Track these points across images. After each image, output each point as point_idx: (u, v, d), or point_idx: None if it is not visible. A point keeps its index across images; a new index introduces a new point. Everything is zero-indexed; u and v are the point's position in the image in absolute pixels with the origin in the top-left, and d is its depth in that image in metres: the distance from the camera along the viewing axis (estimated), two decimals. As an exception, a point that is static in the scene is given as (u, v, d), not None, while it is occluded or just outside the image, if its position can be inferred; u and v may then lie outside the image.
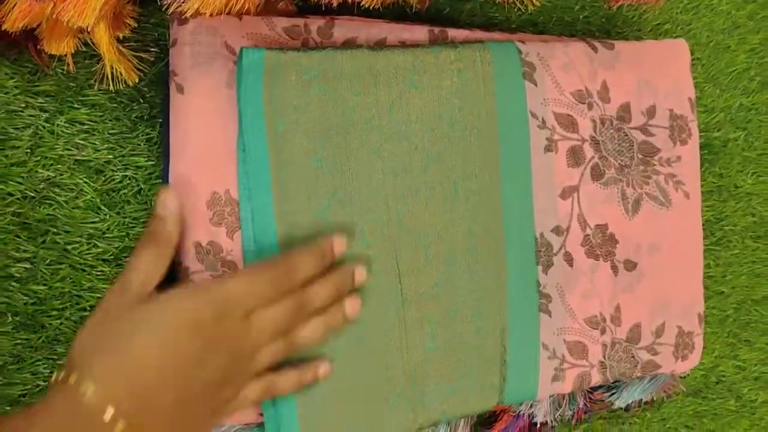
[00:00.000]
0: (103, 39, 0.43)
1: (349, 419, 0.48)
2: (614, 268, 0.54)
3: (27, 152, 0.47)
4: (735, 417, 0.67)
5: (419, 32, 0.51)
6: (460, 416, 0.51)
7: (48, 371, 0.48)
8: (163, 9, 0.40)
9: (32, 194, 0.47)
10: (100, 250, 0.48)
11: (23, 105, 0.47)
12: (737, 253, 0.67)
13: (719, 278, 0.66)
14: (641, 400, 0.59)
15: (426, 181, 0.49)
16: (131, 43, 0.47)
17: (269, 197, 0.46)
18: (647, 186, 0.55)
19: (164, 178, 0.47)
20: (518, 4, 0.49)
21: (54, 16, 0.39)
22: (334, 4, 0.43)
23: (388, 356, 0.48)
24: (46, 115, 0.47)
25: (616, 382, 0.57)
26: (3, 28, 0.40)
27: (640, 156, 0.55)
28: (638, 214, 0.55)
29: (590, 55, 0.54)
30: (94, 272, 0.48)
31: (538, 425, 0.55)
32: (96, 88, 0.48)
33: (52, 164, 0.48)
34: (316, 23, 0.48)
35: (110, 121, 0.48)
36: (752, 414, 0.68)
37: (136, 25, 0.45)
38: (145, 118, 0.49)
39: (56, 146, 0.48)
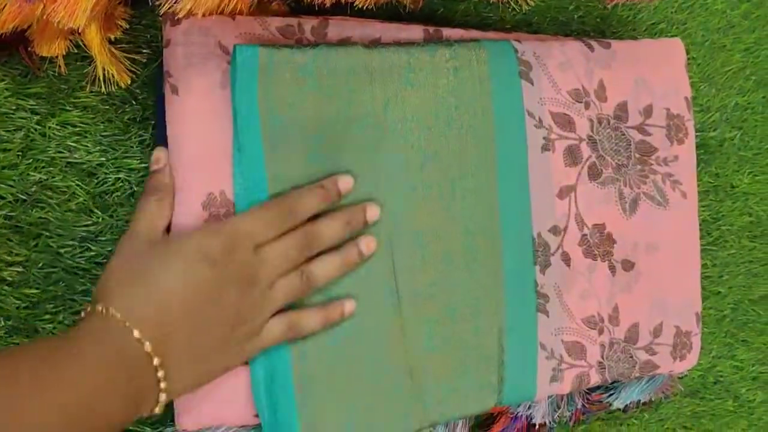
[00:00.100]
0: (94, 41, 0.43)
1: (347, 419, 0.47)
2: (612, 268, 0.54)
3: (18, 155, 0.47)
4: (733, 417, 0.67)
5: (414, 32, 0.50)
6: (458, 417, 0.51)
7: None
8: (155, 10, 0.40)
9: (24, 197, 0.47)
10: (93, 253, 0.48)
11: (14, 107, 0.47)
12: (734, 253, 0.67)
13: (716, 278, 0.66)
14: (639, 400, 0.59)
15: (423, 179, 0.49)
16: (123, 45, 0.46)
17: (265, 196, 0.45)
18: (644, 185, 0.55)
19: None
20: (512, 3, 0.49)
21: (44, 17, 0.38)
22: (327, 5, 0.43)
23: (385, 355, 0.48)
24: (38, 117, 0.47)
25: (614, 382, 0.57)
26: (-7, 29, 0.40)
27: (637, 155, 0.55)
28: (635, 214, 0.55)
29: (587, 54, 0.54)
30: (87, 275, 0.48)
31: (537, 426, 0.55)
32: (88, 90, 0.48)
33: (43, 167, 0.47)
34: (309, 23, 0.48)
35: (102, 123, 0.48)
36: (750, 414, 0.68)
37: (127, 26, 0.45)
38: (138, 120, 0.49)
39: (48, 149, 0.47)
